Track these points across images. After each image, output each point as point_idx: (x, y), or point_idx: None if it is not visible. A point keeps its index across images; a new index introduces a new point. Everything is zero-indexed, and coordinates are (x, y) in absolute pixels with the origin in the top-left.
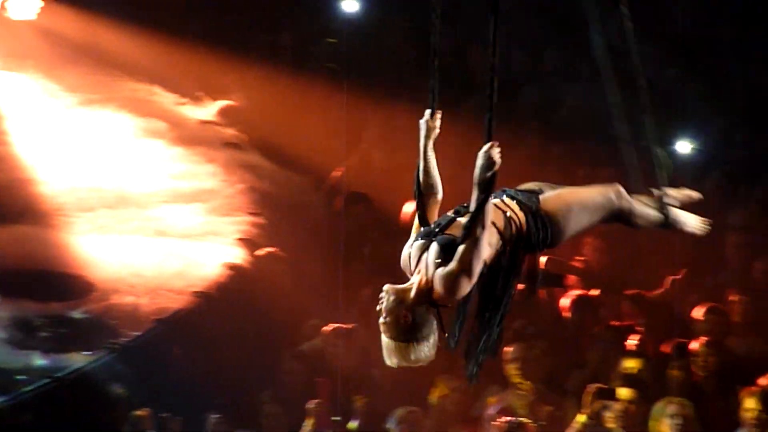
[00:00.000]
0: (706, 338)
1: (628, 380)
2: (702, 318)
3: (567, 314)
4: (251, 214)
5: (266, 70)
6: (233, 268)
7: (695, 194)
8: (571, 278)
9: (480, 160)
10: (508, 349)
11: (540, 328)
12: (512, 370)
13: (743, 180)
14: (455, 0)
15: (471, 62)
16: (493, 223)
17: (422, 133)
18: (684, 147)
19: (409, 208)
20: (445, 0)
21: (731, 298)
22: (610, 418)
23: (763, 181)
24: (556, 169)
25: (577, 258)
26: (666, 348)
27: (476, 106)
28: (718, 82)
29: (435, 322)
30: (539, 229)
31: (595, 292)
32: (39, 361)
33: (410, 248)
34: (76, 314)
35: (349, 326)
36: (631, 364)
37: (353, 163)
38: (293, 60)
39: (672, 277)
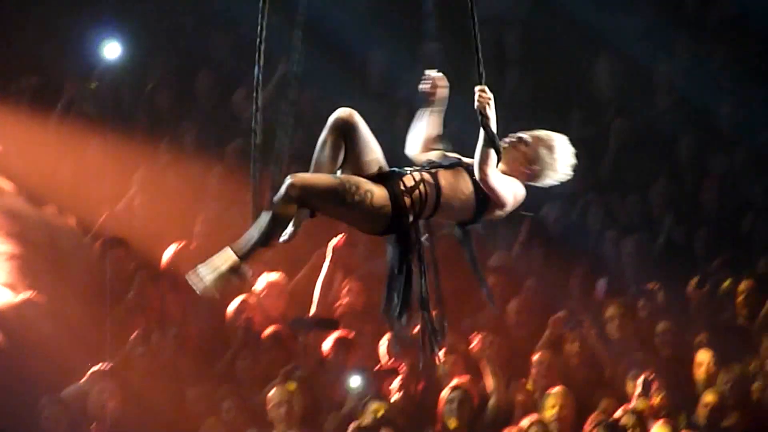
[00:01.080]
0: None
1: (381, 422)
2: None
3: (328, 355)
4: (11, 258)
5: (29, 114)
6: None
7: None
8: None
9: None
10: (269, 395)
11: (306, 371)
12: (273, 413)
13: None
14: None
15: (234, 105)
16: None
17: None
18: None
19: (170, 253)
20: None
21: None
22: None
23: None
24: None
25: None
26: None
27: (240, 149)
28: None
29: None
30: None
31: (351, 334)
32: None
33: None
34: None
35: (114, 367)
36: (377, 408)
37: (120, 207)
38: (55, 103)
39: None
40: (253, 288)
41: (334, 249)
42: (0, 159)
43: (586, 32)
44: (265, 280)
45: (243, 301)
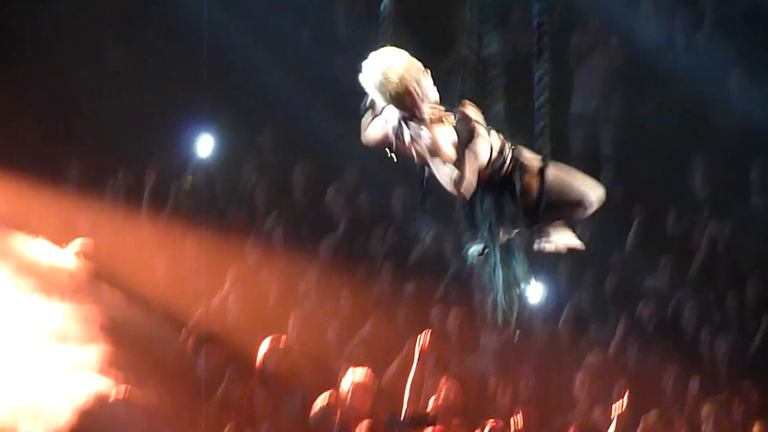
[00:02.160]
0: None
1: None
2: None
3: None
4: (106, 353)
5: (124, 210)
6: (87, 408)
7: None
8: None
9: None
10: None
11: None
12: None
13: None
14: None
15: (328, 202)
16: None
17: None
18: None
19: (263, 349)
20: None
21: None
22: None
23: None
24: (408, 309)
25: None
26: None
27: (333, 246)
28: None
29: None
30: None
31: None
32: None
33: None
34: None
35: None
36: None
37: (214, 303)
38: (150, 199)
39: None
40: (340, 383)
41: (421, 351)
42: (95, 254)
43: (683, 130)
44: (352, 376)
45: (330, 396)
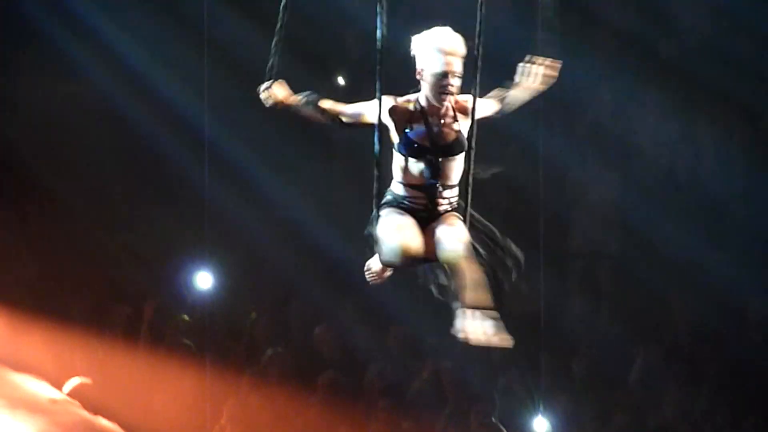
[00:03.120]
0: None
1: None
2: None
3: None
4: None
5: (121, 345)
6: None
7: None
8: None
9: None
10: None
11: None
12: None
13: None
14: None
15: (326, 338)
16: None
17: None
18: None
19: None
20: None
21: None
22: None
23: None
24: None
25: None
26: None
27: (330, 381)
28: None
29: None
30: None
31: None
32: None
33: None
34: None
35: None
36: None
37: None
38: (147, 333)
39: None
40: None
41: None
42: (92, 390)
43: (675, 267)
44: None
45: None
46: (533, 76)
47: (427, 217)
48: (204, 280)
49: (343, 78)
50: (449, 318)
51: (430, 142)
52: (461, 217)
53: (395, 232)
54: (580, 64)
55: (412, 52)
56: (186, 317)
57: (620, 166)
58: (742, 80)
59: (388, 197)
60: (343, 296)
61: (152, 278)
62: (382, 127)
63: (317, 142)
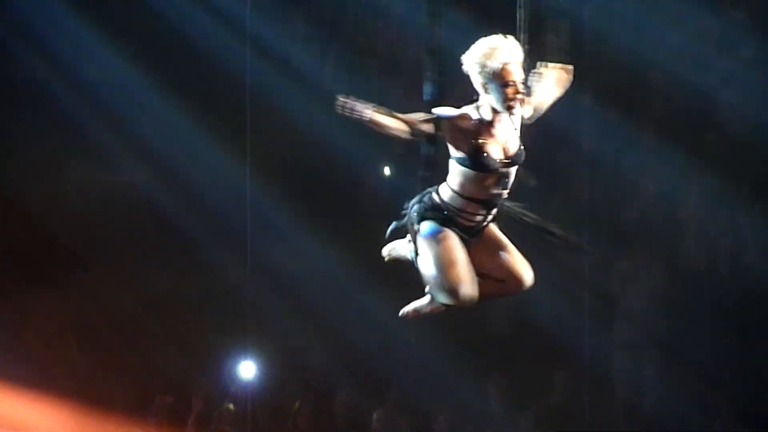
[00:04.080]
0: None
1: None
2: None
3: None
4: None
5: None
6: None
7: None
8: None
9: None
10: None
11: None
12: None
13: None
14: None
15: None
16: None
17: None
18: None
19: None
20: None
21: None
22: None
23: None
24: None
25: None
26: None
27: None
28: None
29: None
30: None
31: None
32: None
33: None
34: None
35: None
36: None
37: None
38: (194, 424)
39: None
40: None
41: None
42: None
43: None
44: None
45: None
46: (548, 80)
47: (468, 229)
48: (248, 369)
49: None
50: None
51: (503, 155)
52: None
53: (451, 272)
54: (625, 153)
55: (465, 70)
56: (230, 406)
57: (665, 255)
58: None
59: (430, 202)
60: (386, 386)
61: (196, 367)
62: (439, 141)
63: (346, 232)
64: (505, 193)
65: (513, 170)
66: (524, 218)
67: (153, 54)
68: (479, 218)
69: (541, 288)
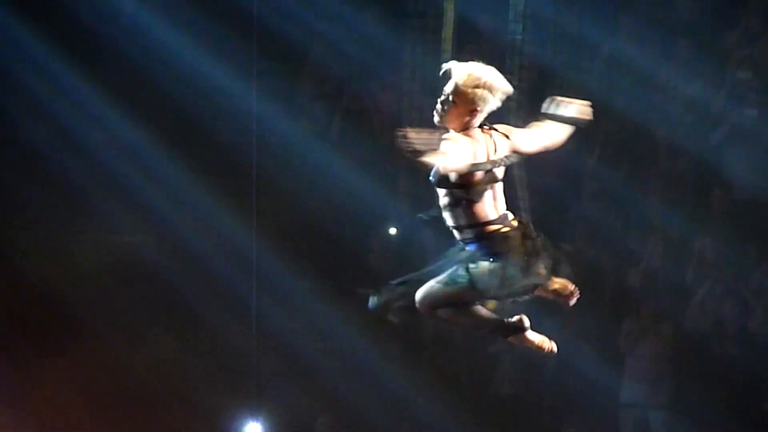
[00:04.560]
0: None
1: None
2: None
3: None
4: None
5: None
6: None
7: None
8: None
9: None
10: None
11: None
12: None
13: None
14: None
15: None
16: None
17: None
18: None
19: None
20: None
21: None
22: None
23: None
24: None
25: None
26: None
27: None
28: None
29: None
30: None
31: None
32: None
33: None
34: None
35: None
36: None
37: None
38: None
39: None
40: None
41: None
42: None
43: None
44: None
45: None
46: (564, 111)
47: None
48: (254, 431)
49: None
50: None
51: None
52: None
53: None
54: (632, 209)
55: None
56: None
57: (672, 315)
58: None
59: None
60: None
61: (203, 427)
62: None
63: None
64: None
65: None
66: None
67: (159, 117)
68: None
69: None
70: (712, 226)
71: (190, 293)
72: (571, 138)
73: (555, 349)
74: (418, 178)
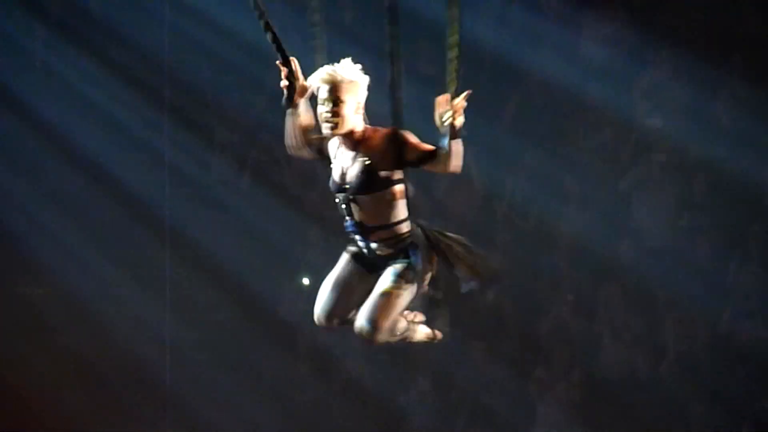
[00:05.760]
0: None
1: None
2: None
3: None
4: None
5: None
6: None
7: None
8: None
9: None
10: None
11: None
12: None
13: None
14: None
15: None
16: None
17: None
18: None
19: None
20: None
21: None
22: None
23: None
24: None
25: None
26: None
27: None
28: None
29: None
30: None
31: None
32: None
33: None
34: None
35: None
36: None
37: None
38: None
39: None
40: None
41: None
42: None
43: None
44: None
45: None
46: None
47: (368, 259)
48: None
49: None
50: None
51: (339, 179)
52: (411, 265)
53: (323, 293)
54: (541, 260)
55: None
56: None
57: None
58: None
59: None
60: None
61: None
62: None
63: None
64: (366, 222)
65: (360, 199)
66: (443, 238)
67: (68, 189)
68: (362, 244)
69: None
70: (620, 270)
71: (102, 372)
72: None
73: (441, 336)
74: (328, 231)
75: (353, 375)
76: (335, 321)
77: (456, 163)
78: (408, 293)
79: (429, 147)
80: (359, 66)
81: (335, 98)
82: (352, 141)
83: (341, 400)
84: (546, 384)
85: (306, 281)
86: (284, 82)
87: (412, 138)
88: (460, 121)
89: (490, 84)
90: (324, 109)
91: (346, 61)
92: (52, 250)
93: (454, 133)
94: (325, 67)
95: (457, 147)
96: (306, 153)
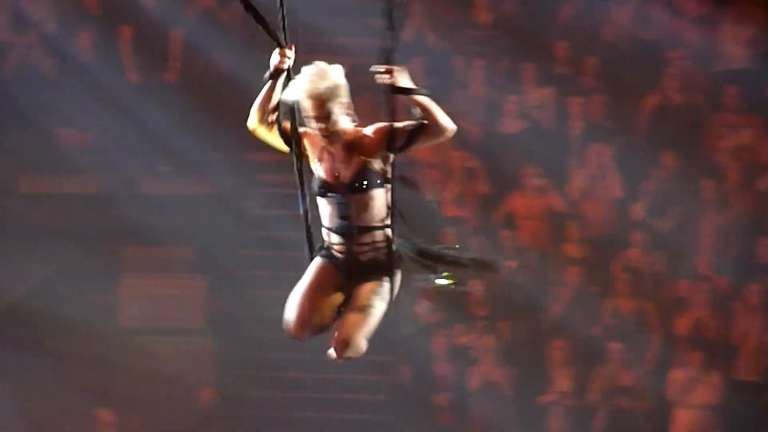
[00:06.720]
0: None
1: None
2: None
3: None
4: None
5: None
6: None
7: None
8: None
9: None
10: None
11: None
12: None
13: None
14: None
15: None
16: None
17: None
18: None
19: None
20: None
21: None
22: None
23: None
24: None
25: None
26: None
27: None
28: None
29: None
30: None
31: None
32: None
33: None
34: None
35: None
36: None
37: None
38: None
39: None
40: None
41: None
42: None
43: None
44: None
45: None
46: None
47: (355, 270)
48: None
49: None
50: None
51: (334, 181)
52: (388, 278)
53: (294, 300)
54: None
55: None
56: None
57: None
58: None
59: (323, 241)
60: None
61: None
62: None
63: None
64: (358, 223)
65: (356, 199)
66: (427, 253)
67: None
68: (344, 250)
69: None
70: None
71: None
72: None
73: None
74: None
75: None
76: (308, 332)
77: (440, 120)
78: (383, 308)
79: (413, 122)
80: (333, 67)
81: (325, 112)
82: (346, 141)
83: None
84: None
85: None
86: (286, 64)
87: (397, 123)
88: (399, 78)
89: None
90: (317, 125)
91: (320, 65)
92: None
93: (400, 90)
94: (302, 77)
95: (426, 103)
96: (265, 128)
